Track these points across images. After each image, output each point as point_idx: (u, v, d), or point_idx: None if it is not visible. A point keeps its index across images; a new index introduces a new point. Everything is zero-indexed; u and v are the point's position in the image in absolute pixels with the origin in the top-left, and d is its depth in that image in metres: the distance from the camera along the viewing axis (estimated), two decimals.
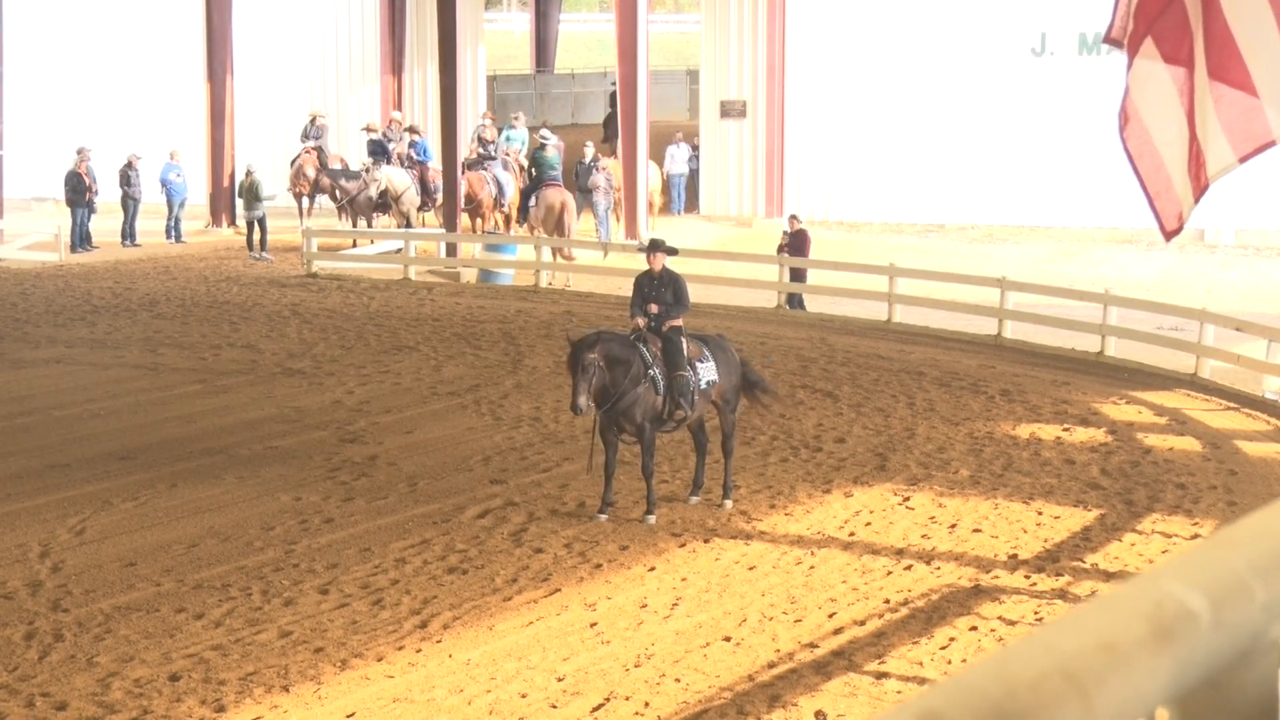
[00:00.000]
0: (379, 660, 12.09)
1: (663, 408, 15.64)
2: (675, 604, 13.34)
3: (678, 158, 40.64)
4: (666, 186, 39.76)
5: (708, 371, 15.93)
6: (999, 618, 13.00)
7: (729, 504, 16.03)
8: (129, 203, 36.72)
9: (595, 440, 15.76)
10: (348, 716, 11.10)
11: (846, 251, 32.57)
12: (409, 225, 35.14)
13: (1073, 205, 36.40)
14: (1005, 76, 37.24)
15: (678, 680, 11.72)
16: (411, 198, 35.40)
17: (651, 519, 15.47)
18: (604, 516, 15.52)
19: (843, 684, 11.68)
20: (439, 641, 12.47)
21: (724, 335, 17.39)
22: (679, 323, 15.97)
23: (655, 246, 16.40)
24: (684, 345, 15.80)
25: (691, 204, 40.50)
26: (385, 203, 35.44)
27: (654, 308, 15.86)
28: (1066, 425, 19.52)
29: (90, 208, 36.00)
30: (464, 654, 12.19)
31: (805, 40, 38.68)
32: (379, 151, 36.37)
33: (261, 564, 14.27)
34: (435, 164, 35.70)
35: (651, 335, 15.77)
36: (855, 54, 38.29)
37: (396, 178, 35.36)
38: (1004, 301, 25.32)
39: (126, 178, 36.56)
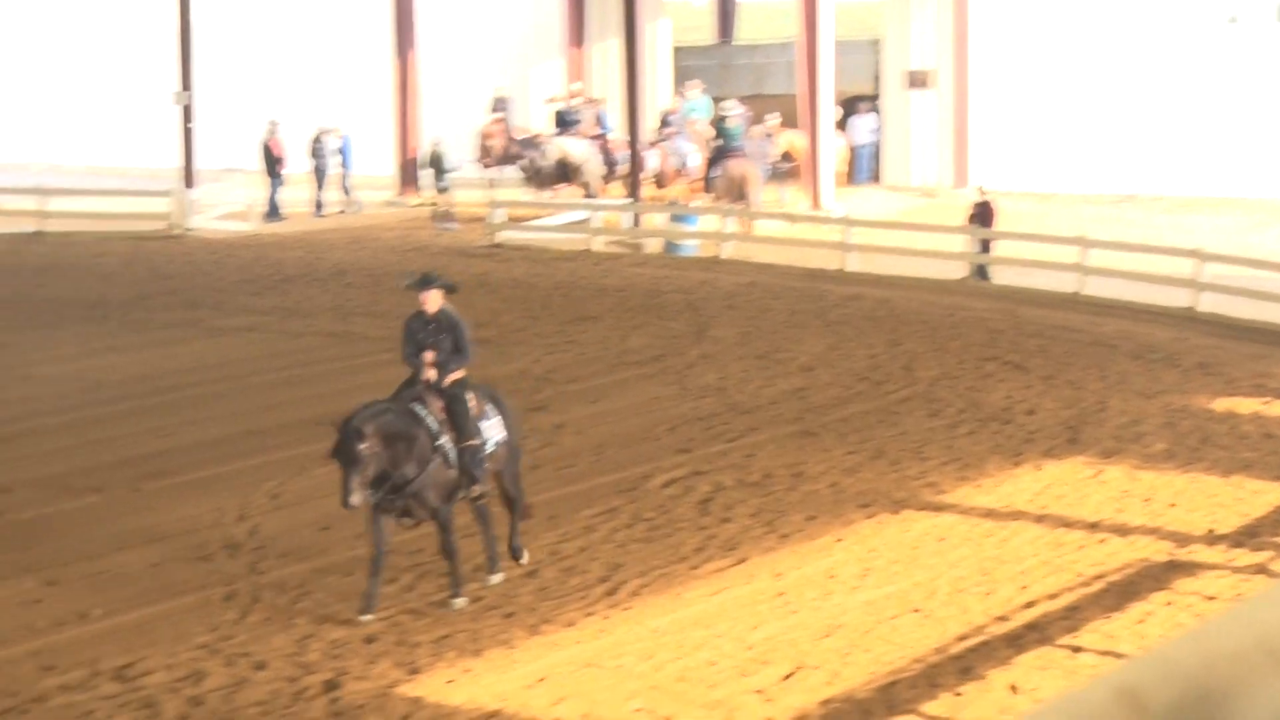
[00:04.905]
0: (568, 626, 12.19)
1: (457, 483, 12.99)
2: (864, 575, 13.26)
3: (862, 128, 40.24)
4: (853, 157, 39.36)
5: (493, 430, 13.35)
6: (1195, 593, 12.75)
7: (524, 560, 13.50)
8: (318, 174, 37.27)
9: (371, 528, 12.87)
10: (539, 680, 11.20)
11: (1037, 222, 32.07)
12: (591, 196, 35.25)
13: (1267, 175, 35.45)
14: (1199, 44, 36.34)
15: (867, 651, 11.66)
16: (592, 168, 35.49)
17: (460, 601, 12.71)
18: (369, 618, 12.41)
19: (1035, 657, 11.55)
20: (627, 609, 12.54)
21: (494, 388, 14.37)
22: (462, 374, 13.31)
23: (427, 283, 13.39)
24: (470, 405, 13.22)
25: (874, 174, 40.06)
26: (567, 174, 35.59)
27: (429, 355, 13.15)
28: (1266, 399, 19.04)
29: (280, 179, 36.61)
30: (652, 621, 12.24)
31: (990, 7, 38.11)
32: (564, 123, 36.53)
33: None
34: (616, 135, 35.79)
35: (431, 395, 13.09)
36: (1042, 21, 37.63)
37: (572, 148, 35.44)
38: (1199, 273, 24.73)
39: (315, 150, 37.12)
